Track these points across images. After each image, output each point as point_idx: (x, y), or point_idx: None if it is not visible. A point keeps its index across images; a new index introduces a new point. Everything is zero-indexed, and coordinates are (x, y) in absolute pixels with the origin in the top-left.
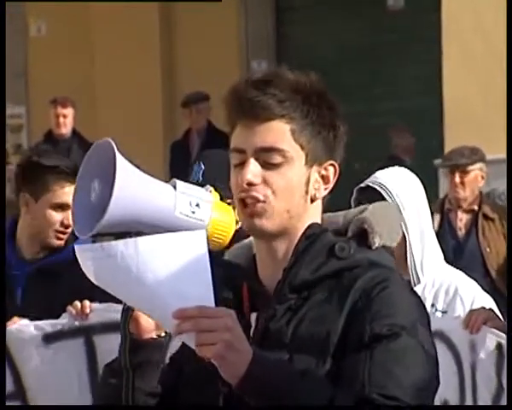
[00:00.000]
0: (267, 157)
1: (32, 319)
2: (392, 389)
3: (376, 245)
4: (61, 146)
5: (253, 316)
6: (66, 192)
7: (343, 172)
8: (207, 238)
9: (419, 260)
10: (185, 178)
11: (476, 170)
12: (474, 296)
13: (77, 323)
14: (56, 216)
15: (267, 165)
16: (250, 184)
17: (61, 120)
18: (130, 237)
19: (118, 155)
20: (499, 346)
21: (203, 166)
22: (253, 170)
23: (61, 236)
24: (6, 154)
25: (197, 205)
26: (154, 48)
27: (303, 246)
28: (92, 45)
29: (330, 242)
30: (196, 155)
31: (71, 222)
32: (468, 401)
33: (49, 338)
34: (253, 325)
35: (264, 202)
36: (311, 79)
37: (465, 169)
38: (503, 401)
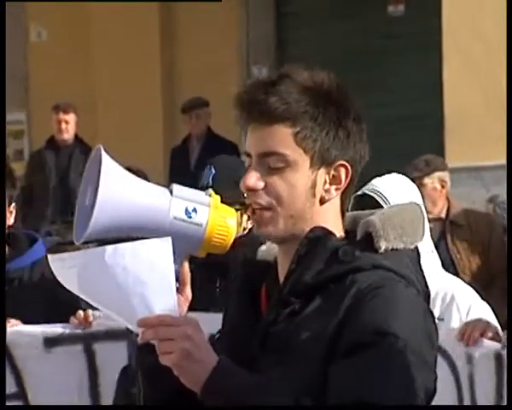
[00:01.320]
0: (270, 162)
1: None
2: (370, 397)
3: (383, 248)
4: (64, 152)
5: None
6: None
7: None
8: (206, 242)
9: None
10: (185, 184)
11: (433, 180)
12: (471, 304)
13: (79, 331)
14: None
15: (270, 169)
16: (251, 190)
17: (63, 125)
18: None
19: (104, 161)
20: (498, 356)
21: (214, 171)
22: (253, 175)
23: None
24: (7, 159)
25: (194, 209)
26: (155, 54)
27: (304, 250)
28: (92, 51)
29: (334, 246)
30: (200, 160)
31: None
32: None
33: (49, 342)
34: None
35: (269, 209)
36: (324, 78)
37: (421, 182)
38: None
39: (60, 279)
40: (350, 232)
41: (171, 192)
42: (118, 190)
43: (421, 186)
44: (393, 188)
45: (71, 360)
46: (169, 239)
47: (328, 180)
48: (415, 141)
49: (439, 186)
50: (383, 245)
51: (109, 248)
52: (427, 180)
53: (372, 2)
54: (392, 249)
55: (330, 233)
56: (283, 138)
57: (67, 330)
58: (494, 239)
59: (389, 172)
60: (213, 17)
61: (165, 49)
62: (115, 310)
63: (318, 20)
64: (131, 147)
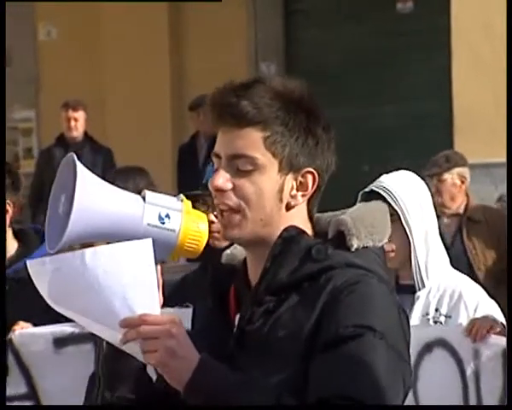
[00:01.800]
0: (239, 164)
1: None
2: (349, 390)
3: (355, 247)
4: (73, 149)
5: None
6: None
7: (352, 175)
8: (179, 247)
9: (423, 264)
10: (193, 181)
11: (453, 176)
12: (478, 302)
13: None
14: None
15: (239, 172)
16: (220, 190)
17: (72, 123)
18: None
19: (79, 169)
20: (505, 353)
21: None
22: (222, 176)
23: None
24: (17, 158)
25: (167, 215)
26: (163, 51)
27: (279, 248)
28: (102, 49)
29: (308, 244)
30: (208, 157)
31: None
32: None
33: (59, 343)
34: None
35: (238, 211)
36: (295, 86)
37: (440, 178)
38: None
39: (37, 285)
40: (316, 234)
41: (143, 199)
42: (93, 199)
43: (440, 182)
44: (401, 185)
45: (81, 360)
46: (149, 241)
47: (295, 186)
48: (423, 139)
49: (458, 182)
50: (355, 243)
51: (89, 250)
52: (446, 176)
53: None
54: (363, 247)
55: (303, 232)
56: (253, 142)
57: (77, 330)
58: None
59: (397, 170)
60: (222, 15)
61: (173, 48)
62: (95, 314)
63: (327, 18)
64: (140, 145)
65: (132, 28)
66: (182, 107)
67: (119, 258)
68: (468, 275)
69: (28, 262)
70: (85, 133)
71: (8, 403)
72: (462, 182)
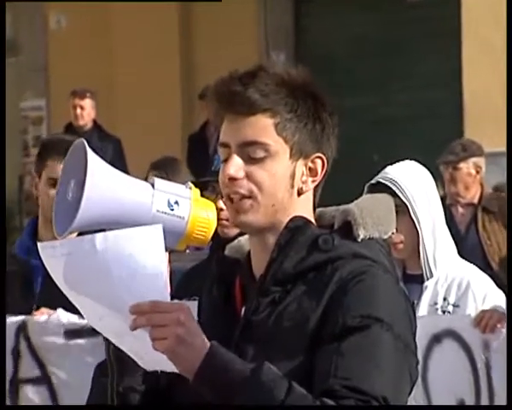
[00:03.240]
0: (250, 151)
1: (51, 308)
2: (357, 381)
3: (361, 237)
4: (81, 137)
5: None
6: (59, 167)
7: (362, 164)
8: (188, 235)
9: (431, 254)
10: (203, 170)
11: (468, 165)
12: (486, 293)
13: None
14: (52, 191)
15: (251, 159)
16: (233, 179)
17: (79, 111)
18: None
19: (89, 156)
20: None
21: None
22: (235, 164)
23: None
24: (27, 146)
25: (176, 202)
26: (174, 40)
27: (285, 239)
28: (112, 38)
29: (314, 234)
30: (215, 147)
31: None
32: (484, 399)
33: (70, 335)
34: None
35: (249, 197)
36: (298, 72)
37: (456, 166)
38: None
39: (48, 268)
40: (321, 227)
41: (152, 186)
42: (103, 185)
43: (455, 170)
44: (408, 176)
45: (91, 352)
46: (160, 226)
47: (305, 172)
48: (434, 127)
49: (473, 172)
50: (362, 234)
51: (100, 235)
52: (462, 165)
53: None
54: (369, 238)
55: (310, 222)
56: (265, 128)
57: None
58: None
59: (405, 159)
60: (232, 4)
61: (184, 36)
62: (104, 299)
63: (336, 6)
64: (150, 135)
65: (142, 18)
66: (192, 97)
67: (130, 243)
68: (482, 265)
69: (40, 245)
70: (94, 122)
71: (21, 386)
72: (477, 172)
